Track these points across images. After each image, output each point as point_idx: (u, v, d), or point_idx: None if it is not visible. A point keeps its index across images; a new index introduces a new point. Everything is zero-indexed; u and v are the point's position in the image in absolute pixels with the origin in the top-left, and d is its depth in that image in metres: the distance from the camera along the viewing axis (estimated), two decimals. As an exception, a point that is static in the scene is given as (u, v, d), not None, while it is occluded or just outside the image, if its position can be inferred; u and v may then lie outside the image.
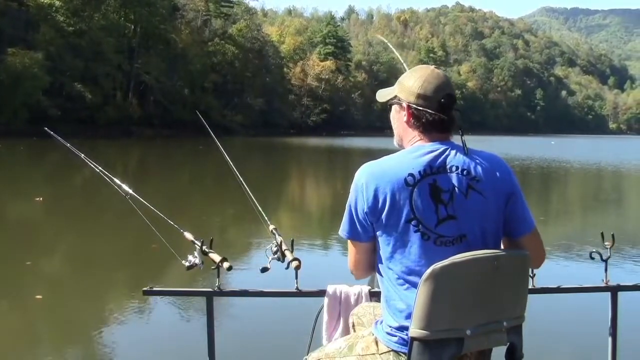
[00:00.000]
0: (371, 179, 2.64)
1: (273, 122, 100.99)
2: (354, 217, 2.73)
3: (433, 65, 2.83)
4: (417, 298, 2.48)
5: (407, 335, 2.54)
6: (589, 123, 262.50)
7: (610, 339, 3.78)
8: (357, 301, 3.60)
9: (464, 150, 2.69)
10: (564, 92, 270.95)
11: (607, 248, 3.65)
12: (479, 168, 2.67)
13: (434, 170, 2.63)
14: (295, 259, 3.49)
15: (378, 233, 2.69)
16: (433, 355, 2.49)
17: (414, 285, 2.54)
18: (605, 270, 3.70)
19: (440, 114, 2.69)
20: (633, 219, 18.54)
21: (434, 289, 2.46)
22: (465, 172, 2.65)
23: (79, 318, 7.47)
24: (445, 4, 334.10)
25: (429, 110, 2.69)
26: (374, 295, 3.55)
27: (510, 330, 2.64)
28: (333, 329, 3.66)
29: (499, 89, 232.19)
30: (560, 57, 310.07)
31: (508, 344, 2.66)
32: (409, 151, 2.72)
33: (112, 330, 7.08)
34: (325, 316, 3.66)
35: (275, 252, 3.53)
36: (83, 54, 68.42)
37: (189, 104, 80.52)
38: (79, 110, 63.92)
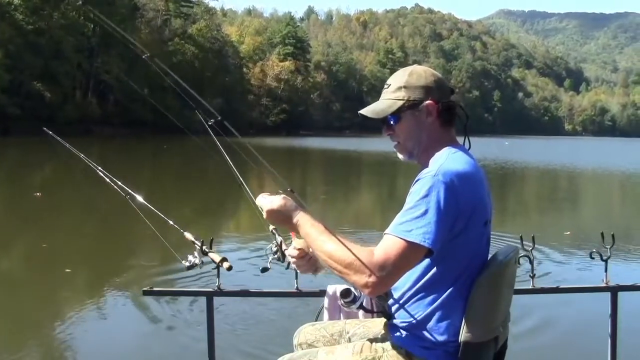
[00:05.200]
0: (464, 180, 2.42)
1: (232, 122, 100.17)
2: (444, 221, 2.36)
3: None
4: (471, 302, 2.44)
5: (451, 345, 2.46)
6: (546, 124, 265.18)
7: (610, 339, 3.81)
8: (358, 301, 3.57)
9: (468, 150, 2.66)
10: (520, 94, 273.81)
11: (606, 248, 3.66)
12: None
13: (482, 172, 2.57)
14: (295, 259, 3.47)
15: (452, 239, 2.42)
16: (480, 356, 2.50)
17: (468, 290, 2.46)
18: (605, 270, 3.71)
19: (460, 106, 2.63)
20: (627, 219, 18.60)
21: (487, 291, 2.47)
22: (485, 173, 2.64)
23: (77, 317, 7.40)
24: (405, 5, 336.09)
25: (460, 104, 2.65)
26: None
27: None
28: (333, 329, 3.65)
29: (457, 90, 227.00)
30: (517, 59, 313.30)
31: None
32: (460, 153, 2.56)
33: (111, 329, 7.07)
34: (325, 316, 3.62)
35: (275, 252, 3.43)
36: (43, 53, 67.78)
37: (149, 104, 79.91)
38: (38, 108, 62.95)
